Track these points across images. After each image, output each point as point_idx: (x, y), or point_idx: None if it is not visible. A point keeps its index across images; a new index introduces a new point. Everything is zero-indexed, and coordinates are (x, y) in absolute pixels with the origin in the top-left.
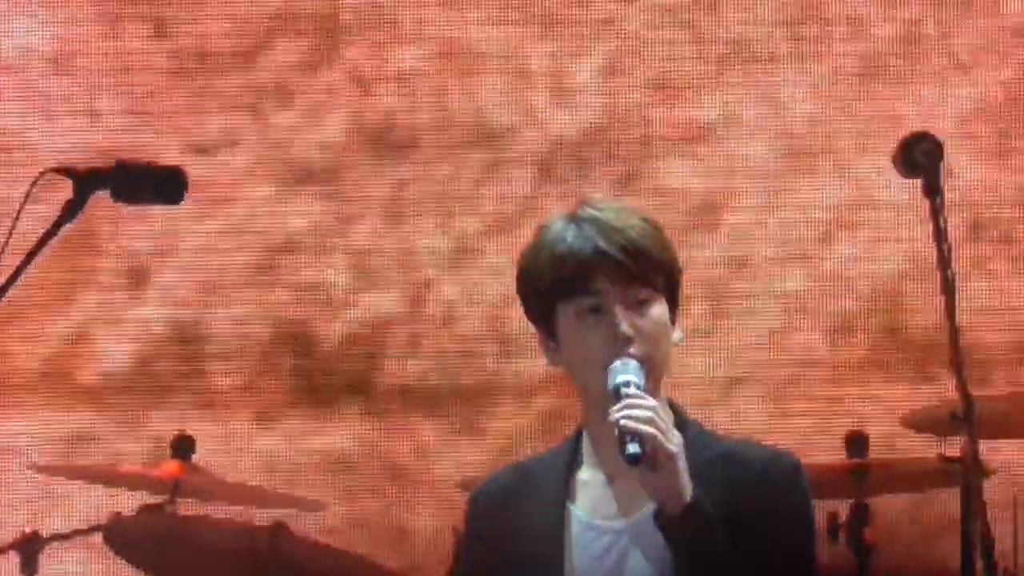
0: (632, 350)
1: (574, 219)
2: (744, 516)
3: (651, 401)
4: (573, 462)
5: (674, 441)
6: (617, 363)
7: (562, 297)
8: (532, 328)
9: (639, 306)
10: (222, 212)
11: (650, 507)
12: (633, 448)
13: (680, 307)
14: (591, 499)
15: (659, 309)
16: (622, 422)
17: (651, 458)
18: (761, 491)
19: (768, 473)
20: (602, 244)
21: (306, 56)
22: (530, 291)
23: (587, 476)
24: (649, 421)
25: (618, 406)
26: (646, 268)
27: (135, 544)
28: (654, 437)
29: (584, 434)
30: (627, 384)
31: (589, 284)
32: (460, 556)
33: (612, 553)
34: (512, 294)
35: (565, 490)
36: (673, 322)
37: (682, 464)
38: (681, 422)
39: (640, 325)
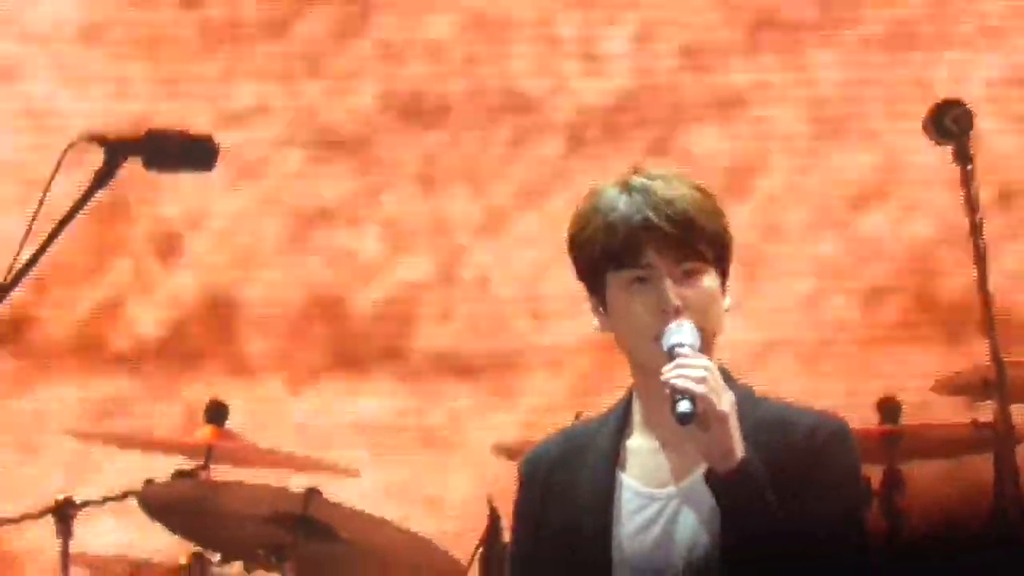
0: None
1: (626, 187)
2: (791, 480)
3: (704, 360)
4: (623, 428)
5: (726, 401)
6: (672, 325)
7: (612, 267)
8: (564, 293)
9: (688, 277)
10: (253, 181)
11: (699, 473)
12: (684, 407)
13: (729, 275)
14: (641, 467)
15: (709, 280)
16: (673, 381)
17: (702, 417)
18: (808, 455)
19: (815, 437)
20: (652, 216)
21: (336, 25)
22: (581, 258)
23: (637, 443)
24: (701, 380)
25: (670, 365)
26: (696, 240)
27: (169, 510)
28: (705, 396)
29: (634, 400)
30: (681, 345)
31: (638, 256)
32: (513, 522)
33: (660, 520)
34: (544, 260)
35: (615, 457)
36: (723, 291)
37: (733, 424)
38: (730, 387)
39: (689, 296)
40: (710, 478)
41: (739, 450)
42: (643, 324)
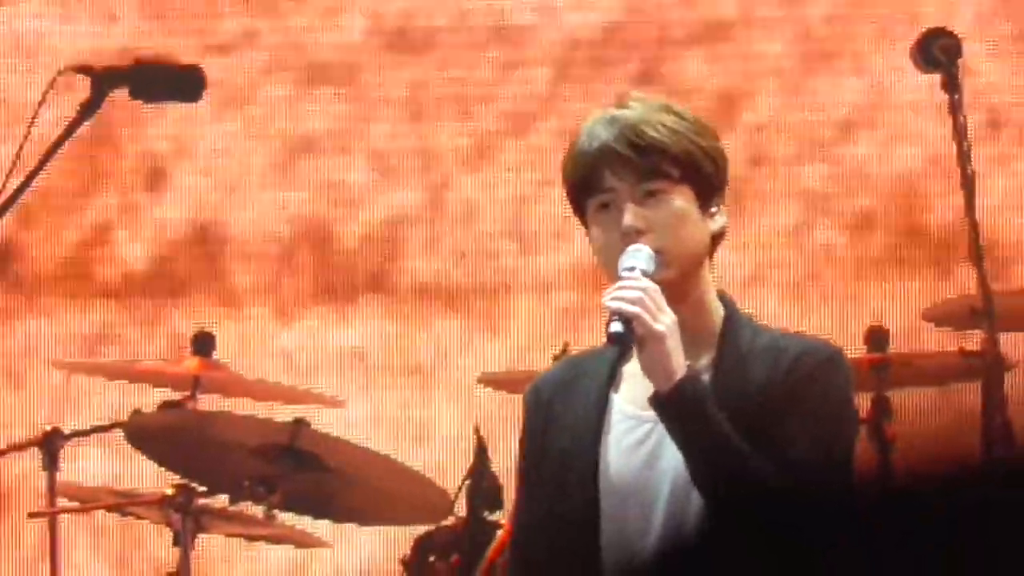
0: (643, 242)
1: (597, 117)
2: (780, 408)
3: (644, 282)
4: (625, 354)
5: (664, 321)
6: (630, 249)
7: (584, 196)
8: (551, 223)
9: (651, 198)
10: (240, 112)
11: None
12: (613, 327)
13: (720, 195)
14: (634, 389)
15: (678, 200)
16: (608, 303)
17: (639, 339)
18: (794, 382)
19: (801, 364)
20: (609, 140)
21: None
22: (565, 191)
23: (633, 367)
24: (636, 301)
25: (611, 288)
26: (655, 160)
27: (155, 440)
28: (639, 316)
29: None
30: (631, 269)
31: (600, 181)
32: (519, 454)
33: (648, 442)
34: (530, 190)
35: (610, 380)
36: (708, 210)
37: (672, 344)
38: (731, 316)
39: (650, 217)
40: (652, 399)
41: (680, 371)
42: (609, 249)
